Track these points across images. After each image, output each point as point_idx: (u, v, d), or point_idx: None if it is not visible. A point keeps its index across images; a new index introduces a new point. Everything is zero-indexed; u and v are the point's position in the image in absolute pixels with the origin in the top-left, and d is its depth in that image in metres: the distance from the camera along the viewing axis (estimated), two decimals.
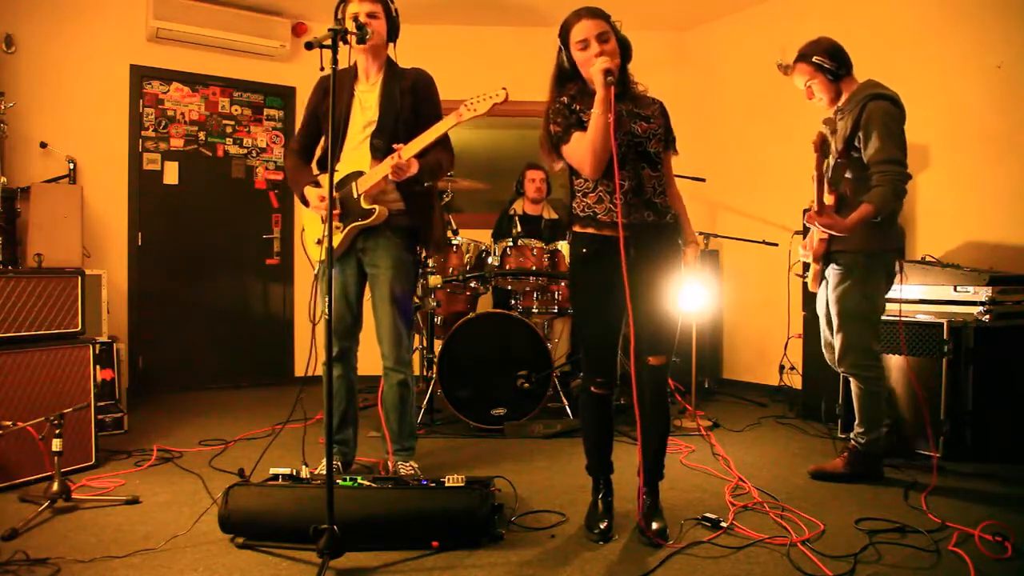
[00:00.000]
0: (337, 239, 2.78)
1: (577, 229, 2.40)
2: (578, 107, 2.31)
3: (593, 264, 2.36)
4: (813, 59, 2.89)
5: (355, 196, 2.78)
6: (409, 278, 2.93)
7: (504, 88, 2.57)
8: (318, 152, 3.02)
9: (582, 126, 2.28)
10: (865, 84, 2.90)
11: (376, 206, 2.77)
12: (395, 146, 2.67)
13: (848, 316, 2.89)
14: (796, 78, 3.00)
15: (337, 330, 2.87)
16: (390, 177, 2.70)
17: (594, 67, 2.19)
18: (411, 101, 2.84)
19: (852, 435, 3.00)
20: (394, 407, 2.94)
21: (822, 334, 3.10)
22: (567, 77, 2.37)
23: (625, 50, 2.33)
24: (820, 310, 3.14)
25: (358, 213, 2.78)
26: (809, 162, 3.24)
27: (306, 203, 2.87)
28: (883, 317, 2.94)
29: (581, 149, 2.26)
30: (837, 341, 2.94)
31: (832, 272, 2.93)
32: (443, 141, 2.80)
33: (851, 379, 2.99)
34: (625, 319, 2.31)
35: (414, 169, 2.72)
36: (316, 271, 2.90)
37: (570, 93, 2.35)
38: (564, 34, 2.32)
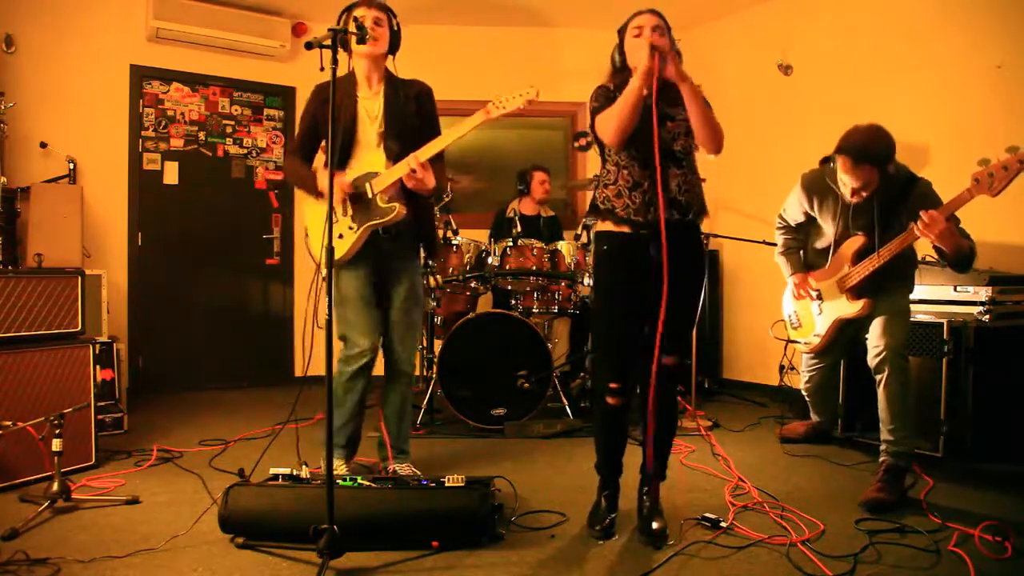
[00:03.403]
0: (351, 239, 2.76)
1: (598, 226, 2.44)
2: (618, 95, 2.34)
3: (612, 263, 2.39)
4: (889, 168, 2.84)
5: (370, 195, 2.76)
6: (421, 282, 2.98)
7: (535, 86, 2.52)
8: (319, 160, 2.96)
9: None
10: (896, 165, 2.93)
11: (395, 204, 2.74)
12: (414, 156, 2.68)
13: (904, 316, 2.95)
14: (855, 176, 2.81)
15: (369, 336, 2.83)
16: (408, 184, 2.70)
17: (642, 43, 2.25)
18: (415, 108, 2.86)
19: (884, 448, 2.83)
20: (400, 411, 2.95)
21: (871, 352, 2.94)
22: (617, 71, 2.44)
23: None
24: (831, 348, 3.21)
25: (376, 212, 2.76)
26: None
27: (320, 196, 2.80)
28: None
29: (610, 115, 2.29)
30: (884, 342, 2.84)
31: (889, 286, 2.96)
32: (441, 161, 2.81)
33: (891, 380, 2.82)
34: (645, 321, 2.34)
35: (431, 180, 2.72)
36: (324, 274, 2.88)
37: (617, 82, 2.41)
38: (623, 28, 2.40)
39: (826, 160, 3.14)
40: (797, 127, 4.80)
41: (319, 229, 2.83)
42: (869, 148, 2.79)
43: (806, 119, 4.76)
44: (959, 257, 2.75)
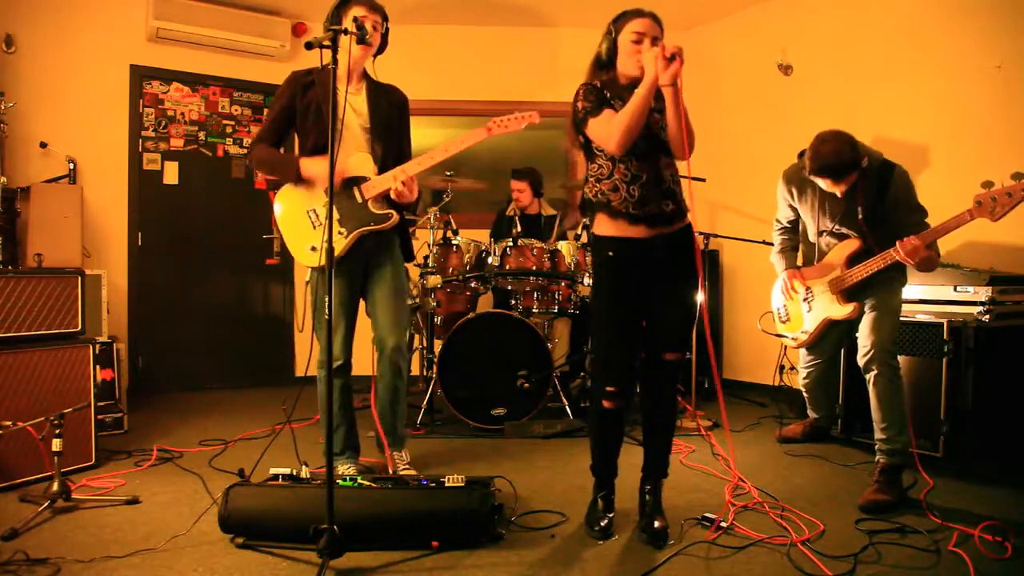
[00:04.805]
0: (341, 244, 2.76)
1: (596, 228, 2.39)
2: (608, 94, 2.33)
3: (609, 267, 2.36)
4: (863, 164, 2.86)
5: (360, 201, 2.78)
6: (404, 274, 2.99)
7: (536, 112, 2.68)
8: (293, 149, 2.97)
9: (613, 108, 2.29)
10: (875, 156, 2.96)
11: (391, 211, 2.81)
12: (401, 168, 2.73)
13: (893, 314, 2.93)
14: (841, 186, 2.88)
15: (346, 341, 2.87)
16: (393, 196, 2.75)
17: (647, 54, 2.18)
18: (398, 116, 2.92)
19: (879, 448, 2.82)
20: (391, 401, 2.93)
21: (857, 358, 2.96)
22: (602, 66, 2.40)
23: None
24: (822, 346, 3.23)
25: (368, 217, 2.79)
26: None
27: (300, 180, 2.81)
28: None
29: (612, 124, 2.23)
30: (872, 340, 2.85)
31: (879, 282, 2.94)
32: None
33: (880, 378, 2.83)
34: (643, 321, 2.35)
35: (415, 193, 2.79)
36: (308, 279, 2.88)
37: (603, 79, 2.39)
38: (619, 22, 2.33)
39: (804, 153, 3.16)
40: (797, 127, 4.78)
41: (295, 233, 2.84)
42: (842, 160, 2.81)
43: (806, 119, 4.74)
44: (929, 267, 2.86)
